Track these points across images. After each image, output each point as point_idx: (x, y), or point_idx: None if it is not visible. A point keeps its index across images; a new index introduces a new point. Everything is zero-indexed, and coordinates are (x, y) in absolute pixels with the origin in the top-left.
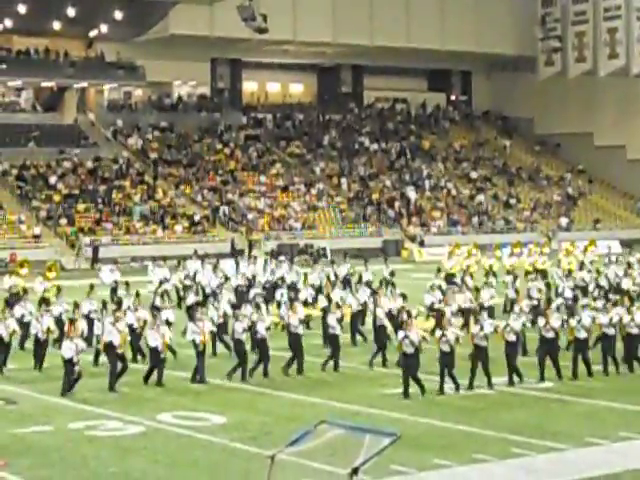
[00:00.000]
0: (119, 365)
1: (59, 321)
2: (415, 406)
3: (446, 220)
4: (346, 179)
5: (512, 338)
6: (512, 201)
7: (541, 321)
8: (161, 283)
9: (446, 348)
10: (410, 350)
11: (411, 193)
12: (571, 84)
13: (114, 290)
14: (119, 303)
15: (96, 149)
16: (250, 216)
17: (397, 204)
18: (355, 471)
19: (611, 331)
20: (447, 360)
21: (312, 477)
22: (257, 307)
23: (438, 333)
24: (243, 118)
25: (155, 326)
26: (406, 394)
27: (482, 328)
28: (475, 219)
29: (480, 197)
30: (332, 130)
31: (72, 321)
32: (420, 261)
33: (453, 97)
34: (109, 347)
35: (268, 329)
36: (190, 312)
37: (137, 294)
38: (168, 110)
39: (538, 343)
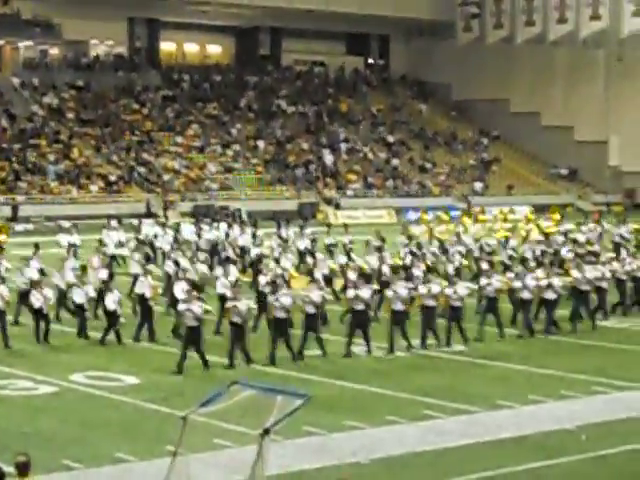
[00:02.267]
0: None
1: None
2: (328, 368)
3: (362, 183)
4: (263, 141)
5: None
6: (428, 165)
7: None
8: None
9: (457, 304)
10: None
11: (328, 156)
12: (488, 50)
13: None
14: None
15: (11, 107)
16: (166, 177)
17: (313, 167)
18: (266, 432)
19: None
20: (458, 314)
21: (224, 438)
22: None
23: (449, 290)
24: (160, 78)
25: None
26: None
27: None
28: (390, 183)
29: (396, 161)
30: (249, 92)
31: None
32: (336, 224)
33: (371, 61)
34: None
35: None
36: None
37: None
38: (84, 69)
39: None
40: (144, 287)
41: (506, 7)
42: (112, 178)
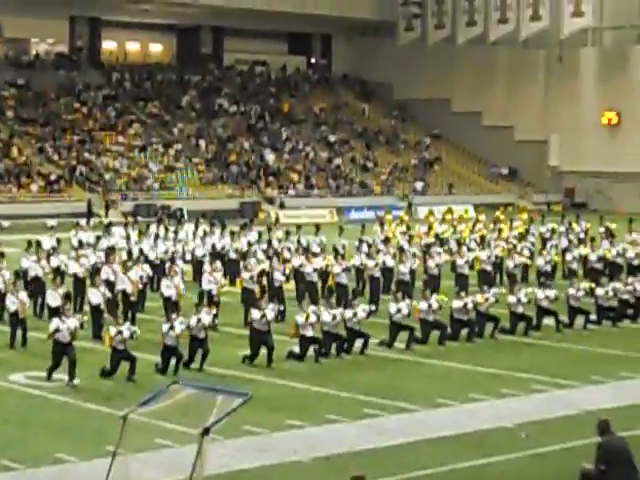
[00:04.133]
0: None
1: None
2: (268, 368)
3: (304, 183)
4: (204, 140)
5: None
6: (369, 164)
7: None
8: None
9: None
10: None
11: (269, 156)
12: (430, 50)
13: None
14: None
15: None
16: (107, 176)
17: (255, 166)
18: (207, 431)
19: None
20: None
21: (164, 437)
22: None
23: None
24: (101, 77)
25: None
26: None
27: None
28: (333, 182)
29: (338, 160)
30: (191, 91)
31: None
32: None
33: (313, 60)
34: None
35: None
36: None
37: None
38: (25, 67)
39: None
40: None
41: (447, 7)
42: (53, 177)
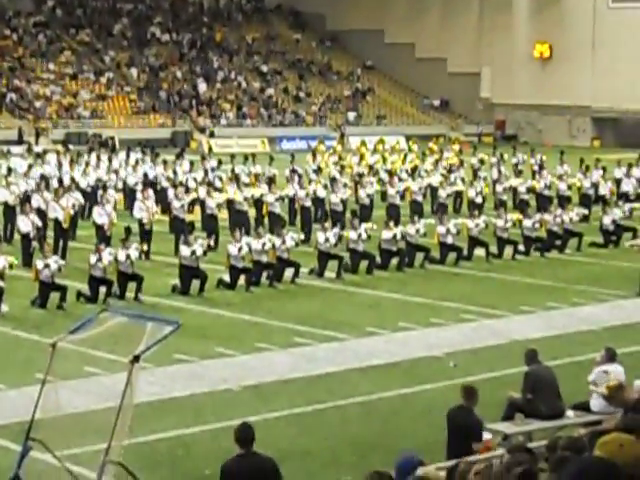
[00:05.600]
0: None
1: None
2: (199, 297)
3: (236, 112)
4: (136, 69)
5: None
6: (302, 95)
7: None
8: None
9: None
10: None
11: (201, 85)
12: None
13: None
14: None
15: None
16: (38, 104)
17: (187, 96)
18: (136, 359)
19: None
20: None
21: (94, 365)
22: None
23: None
24: (32, 4)
25: None
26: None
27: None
28: (265, 112)
29: (270, 90)
30: (123, 19)
31: None
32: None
33: None
34: None
35: None
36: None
37: None
38: None
39: None
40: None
41: None
42: None
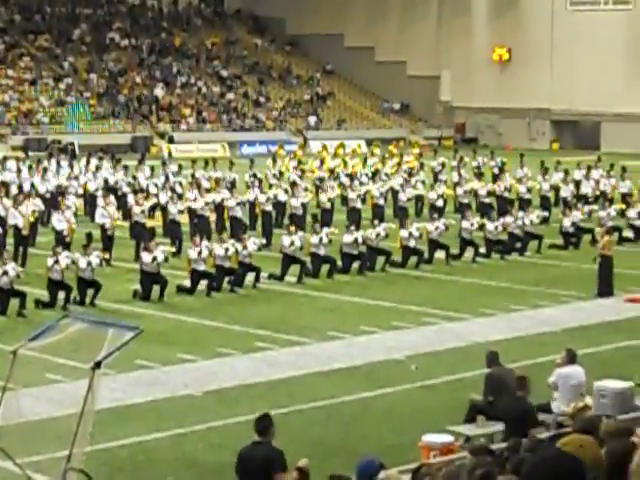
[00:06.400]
0: None
1: None
2: (159, 302)
3: (196, 117)
4: (95, 74)
5: None
6: (262, 99)
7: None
8: None
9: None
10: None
11: (160, 90)
12: None
13: None
14: None
15: None
16: None
17: (147, 101)
18: (98, 365)
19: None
20: None
21: (55, 372)
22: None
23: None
24: None
25: None
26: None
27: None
28: (225, 117)
29: (230, 95)
30: (82, 24)
31: None
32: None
33: None
34: None
35: None
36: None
37: None
38: None
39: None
40: None
41: None
42: None
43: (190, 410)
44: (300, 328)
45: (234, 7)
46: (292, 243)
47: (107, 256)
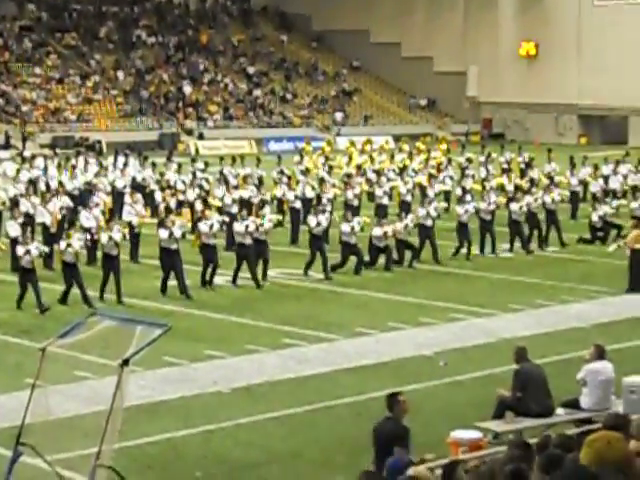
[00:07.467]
0: None
1: None
2: (187, 300)
3: (222, 114)
4: (122, 72)
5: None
6: (289, 96)
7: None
8: None
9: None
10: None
11: (187, 87)
12: None
13: None
14: None
15: None
16: (24, 108)
17: (174, 98)
18: (126, 362)
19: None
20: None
21: (84, 369)
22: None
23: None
24: (17, 8)
25: None
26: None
27: None
28: (252, 114)
29: (257, 92)
30: (109, 22)
31: None
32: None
33: None
34: None
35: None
36: None
37: None
38: None
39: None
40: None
41: None
42: None
43: (219, 407)
44: (328, 324)
45: (260, 4)
46: (318, 224)
47: (126, 231)
